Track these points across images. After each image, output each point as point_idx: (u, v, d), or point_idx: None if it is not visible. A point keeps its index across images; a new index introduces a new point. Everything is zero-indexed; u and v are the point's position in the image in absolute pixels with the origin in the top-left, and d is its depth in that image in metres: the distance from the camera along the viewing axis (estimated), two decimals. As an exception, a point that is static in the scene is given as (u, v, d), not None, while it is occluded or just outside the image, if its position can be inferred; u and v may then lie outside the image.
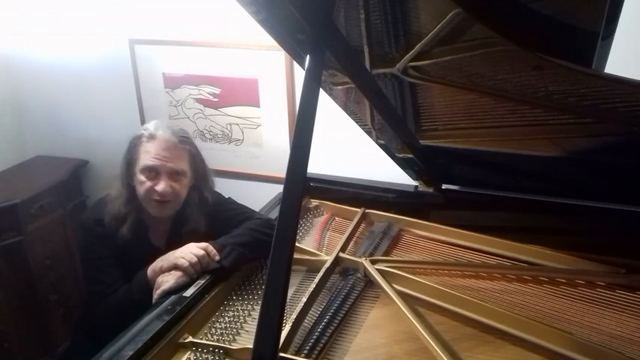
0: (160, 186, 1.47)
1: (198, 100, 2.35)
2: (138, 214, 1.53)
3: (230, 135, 2.35)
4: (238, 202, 1.70)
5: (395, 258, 1.48)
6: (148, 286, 1.36)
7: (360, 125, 1.58)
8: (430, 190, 1.72)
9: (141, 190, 1.49)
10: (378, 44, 1.15)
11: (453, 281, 1.34)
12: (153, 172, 1.48)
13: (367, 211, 1.68)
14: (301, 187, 0.97)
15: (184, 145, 1.52)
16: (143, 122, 2.47)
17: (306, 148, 0.96)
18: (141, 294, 1.36)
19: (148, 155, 1.48)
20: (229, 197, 1.71)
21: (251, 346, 0.89)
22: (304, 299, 1.21)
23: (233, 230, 1.50)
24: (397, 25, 1.08)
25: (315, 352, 1.11)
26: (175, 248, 1.39)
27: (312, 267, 1.41)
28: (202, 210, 1.58)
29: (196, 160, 1.57)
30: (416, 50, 1.11)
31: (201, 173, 1.59)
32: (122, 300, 1.41)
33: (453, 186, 1.71)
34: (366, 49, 1.17)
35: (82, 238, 1.62)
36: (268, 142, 2.29)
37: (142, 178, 1.48)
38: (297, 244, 1.48)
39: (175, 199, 1.51)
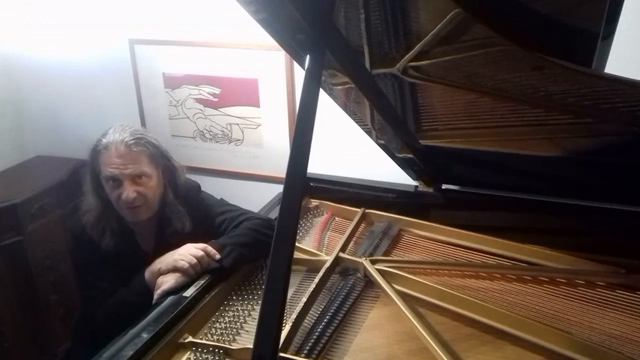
0: (125, 194, 1.44)
1: (198, 100, 2.35)
2: (117, 222, 1.51)
3: (230, 135, 2.35)
4: (238, 202, 1.69)
5: (395, 258, 1.48)
6: (147, 288, 1.36)
7: (360, 125, 1.58)
8: (430, 190, 1.72)
9: (112, 199, 1.48)
10: (378, 44, 1.15)
11: (453, 281, 1.34)
12: (116, 182, 1.46)
13: (367, 211, 1.68)
14: (301, 187, 0.97)
15: (139, 146, 1.47)
16: (143, 122, 2.47)
17: (306, 148, 0.96)
18: (139, 297, 1.36)
19: (106, 165, 1.45)
20: (221, 198, 1.70)
21: (251, 346, 0.89)
22: (304, 299, 1.21)
23: (232, 231, 1.49)
24: (397, 25, 1.09)
25: (315, 352, 1.11)
26: (164, 250, 1.39)
27: (312, 267, 1.41)
28: (183, 206, 1.56)
29: (157, 158, 1.52)
30: (416, 50, 1.11)
31: (166, 169, 1.56)
32: (121, 303, 1.40)
33: (453, 186, 1.71)
34: (366, 49, 1.17)
35: (71, 246, 1.62)
36: (268, 142, 2.29)
37: (107, 188, 1.48)
38: (297, 244, 1.48)
39: (146, 202, 1.49)
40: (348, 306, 1.25)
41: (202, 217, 1.59)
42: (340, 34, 1.09)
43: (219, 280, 1.36)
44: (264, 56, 2.13)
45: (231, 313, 1.29)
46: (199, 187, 1.67)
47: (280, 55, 2.08)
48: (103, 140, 1.47)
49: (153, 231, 1.58)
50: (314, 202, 1.81)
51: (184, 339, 1.17)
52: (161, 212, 1.55)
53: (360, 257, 1.39)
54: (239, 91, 2.25)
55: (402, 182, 1.77)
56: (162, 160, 1.54)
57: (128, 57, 2.39)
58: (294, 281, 1.37)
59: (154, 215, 1.54)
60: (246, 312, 1.29)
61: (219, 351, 1.14)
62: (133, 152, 1.46)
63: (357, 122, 1.58)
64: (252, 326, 1.24)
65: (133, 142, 1.46)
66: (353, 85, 1.27)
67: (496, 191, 1.61)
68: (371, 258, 1.39)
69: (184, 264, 1.32)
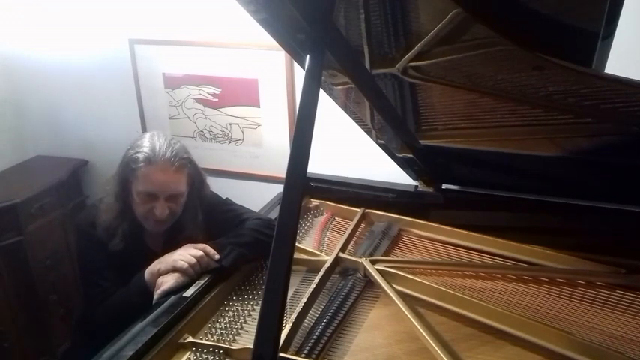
0: (158, 211, 1.45)
1: (198, 100, 2.35)
2: (130, 225, 1.51)
3: (230, 135, 2.35)
4: (238, 202, 1.70)
5: (395, 258, 1.48)
6: (146, 288, 1.36)
7: (360, 125, 1.58)
8: (430, 190, 1.72)
9: (138, 210, 1.48)
10: (378, 44, 1.15)
11: (453, 281, 1.34)
12: (151, 197, 1.45)
13: (367, 211, 1.68)
14: (301, 187, 0.97)
15: (183, 168, 1.48)
16: (143, 122, 2.48)
17: (306, 148, 0.96)
18: (139, 297, 1.36)
19: (146, 181, 1.43)
20: (227, 198, 1.70)
21: (251, 346, 0.89)
22: (304, 299, 1.21)
23: (233, 230, 1.49)
24: (397, 25, 1.08)
25: (315, 352, 1.11)
26: (171, 250, 1.39)
27: (312, 267, 1.41)
28: (199, 215, 1.57)
29: (193, 176, 1.54)
30: (416, 50, 1.11)
31: (197, 184, 1.57)
32: (120, 303, 1.40)
33: (453, 186, 1.71)
34: (366, 49, 1.17)
35: (77, 243, 1.62)
36: (268, 142, 2.29)
37: (138, 200, 1.46)
38: (297, 244, 1.48)
39: (172, 218, 1.50)
40: (348, 306, 1.25)
41: (207, 215, 1.60)
42: (340, 34, 1.09)
43: (219, 280, 1.35)
44: (264, 56, 2.13)
45: (231, 313, 1.29)
46: (207, 186, 1.67)
47: (280, 55, 2.09)
48: (144, 152, 1.43)
49: (163, 232, 1.58)
50: (314, 202, 1.80)
51: (184, 339, 1.17)
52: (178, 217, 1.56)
53: (360, 257, 1.39)
54: (239, 91, 2.25)
55: (402, 182, 1.77)
56: (196, 177, 1.55)
57: (128, 57, 2.39)
58: (294, 281, 1.37)
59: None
60: (246, 312, 1.29)
61: (219, 351, 1.14)
62: (178, 173, 1.46)
63: (357, 122, 1.58)
64: (252, 326, 1.23)
65: (179, 164, 1.46)
66: (353, 85, 1.27)
67: (496, 191, 1.61)
68: (371, 258, 1.39)
69: (184, 264, 1.32)
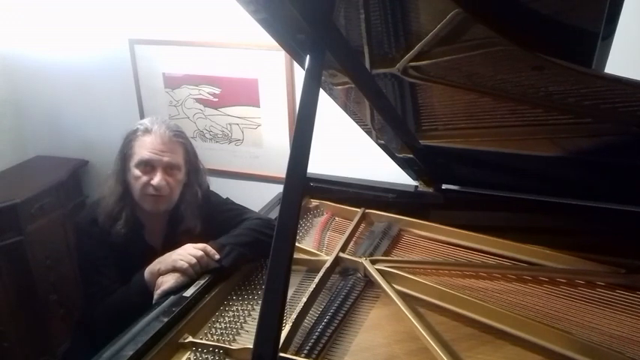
0: (156, 180, 1.47)
1: (198, 100, 2.35)
2: (132, 211, 1.52)
3: (230, 135, 2.35)
4: (238, 202, 1.70)
5: (395, 258, 1.48)
6: (146, 288, 1.36)
7: (360, 125, 1.58)
8: (430, 190, 1.72)
9: (136, 184, 1.49)
10: (378, 44, 1.15)
11: (453, 281, 1.34)
12: (149, 166, 1.48)
13: (367, 211, 1.68)
14: (301, 187, 0.97)
15: (179, 139, 1.53)
16: (143, 122, 2.48)
17: (306, 148, 0.96)
18: (139, 296, 1.36)
19: (144, 149, 1.48)
20: (227, 198, 1.71)
21: (251, 346, 0.89)
22: (304, 299, 1.21)
23: (232, 230, 1.49)
24: (397, 25, 1.08)
25: (315, 352, 1.11)
26: (172, 248, 1.39)
27: (312, 267, 1.41)
28: (197, 208, 1.58)
29: (190, 155, 1.57)
30: (416, 50, 1.11)
31: (194, 169, 1.59)
32: (120, 303, 1.40)
33: (453, 186, 1.71)
34: (366, 49, 1.17)
35: (77, 240, 1.62)
36: (268, 142, 2.29)
37: (137, 172, 1.48)
38: (297, 244, 1.48)
39: (170, 193, 1.51)
40: (348, 306, 1.25)
41: (206, 215, 1.60)
42: (340, 34, 1.09)
43: (219, 280, 1.35)
44: (264, 56, 2.13)
45: (231, 313, 1.29)
46: (208, 186, 1.68)
47: (280, 55, 2.09)
48: (143, 125, 1.51)
49: (163, 227, 1.59)
50: (314, 202, 1.81)
51: (184, 339, 1.17)
52: (175, 209, 1.57)
53: (360, 257, 1.39)
54: (239, 91, 2.25)
55: (402, 182, 1.77)
56: (193, 158, 1.59)
57: (128, 57, 2.39)
58: (294, 281, 1.37)
59: (168, 211, 1.56)
60: (246, 312, 1.29)
61: (219, 351, 1.14)
62: (174, 143, 1.51)
63: (357, 122, 1.58)
64: (252, 326, 1.24)
65: (175, 133, 1.52)
66: (353, 85, 1.27)
67: (496, 191, 1.61)
68: (371, 258, 1.39)
69: (184, 264, 1.33)
